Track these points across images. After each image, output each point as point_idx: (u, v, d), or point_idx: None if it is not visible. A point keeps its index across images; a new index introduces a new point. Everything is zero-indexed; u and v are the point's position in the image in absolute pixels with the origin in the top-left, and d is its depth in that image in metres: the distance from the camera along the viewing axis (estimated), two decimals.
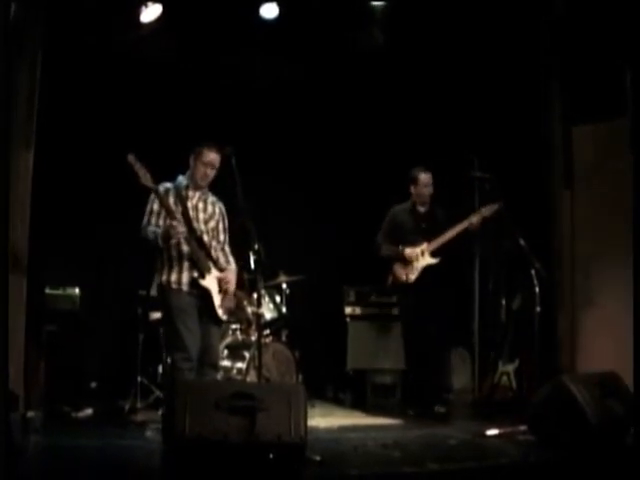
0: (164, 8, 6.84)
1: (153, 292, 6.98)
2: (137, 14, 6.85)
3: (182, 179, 5.73)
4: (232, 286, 5.69)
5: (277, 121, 8.09)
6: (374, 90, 8.15)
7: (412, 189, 7.16)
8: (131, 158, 5.35)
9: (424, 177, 7.10)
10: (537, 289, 6.09)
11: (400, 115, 8.33)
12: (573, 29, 6.96)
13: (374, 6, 7.33)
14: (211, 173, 5.66)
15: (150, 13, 6.86)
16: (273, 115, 8.04)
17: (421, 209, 7.18)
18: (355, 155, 8.41)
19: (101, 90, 7.36)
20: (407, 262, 6.99)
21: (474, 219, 6.87)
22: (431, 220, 7.14)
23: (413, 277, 6.97)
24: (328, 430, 6.20)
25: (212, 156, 5.64)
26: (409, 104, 8.23)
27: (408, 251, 6.99)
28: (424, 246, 6.99)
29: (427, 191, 7.12)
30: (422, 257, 6.98)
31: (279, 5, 7.14)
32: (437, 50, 7.63)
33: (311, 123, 8.28)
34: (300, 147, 8.24)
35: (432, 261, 6.97)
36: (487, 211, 6.84)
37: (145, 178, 5.39)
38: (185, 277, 5.50)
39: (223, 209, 5.84)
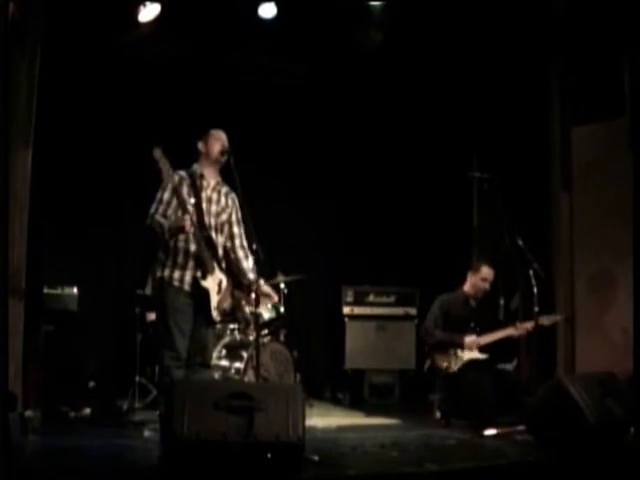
0: (162, 8, 6.83)
1: (148, 291, 6.99)
2: (135, 13, 6.84)
3: (197, 167, 5.61)
4: (275, 298, 5.89)
5: (276, 121, 8.09)
6: (374, 90, 8.16)
7: (469, 277, 6.83)
8: (157, 153, 5.25)
9: (487, 272, 6.77)
10: (535, 289, 6.09)
11: (400, 115, 8.34)
12: (573, 30, 6.97)
13: (372, 6, 7.32)
14: (226, 145, 5.54)
15: (148, 13, 6.84)
16: (273, 115, 8.04)
17: (473, 302, 6.85)
18: (354, 155, 8.42)
19: (100, 89, 7.36)
20: (451, 351, 6.61)
21: (529, 325, 6.43)
22: (482, 314, 6.82)
23: (456, 368, 6.56)
24: (326, 430, 6.20)
25: (222, 134, 5.58)
26: (409, 104, 8.24)
27: (468, 340, 6.57)
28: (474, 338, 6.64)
29: (484, 286, 6.79)
30: (470, 349, 6.61)
31: (277, 5, 7.13)
32: (437, 50, 7.62)
33: (311, 123, 8.28)
34: (299, 147, 8.24)
35: (479, 356, 6.58)
36: (546, 320, 6.47)
37: (168, 175, 5.30)
38: (188, 276, 5.41)
39: (236, 200, 5.67)
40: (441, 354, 6.62)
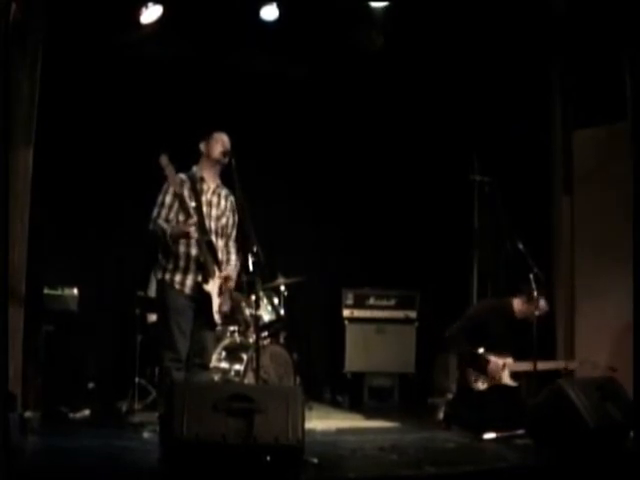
0: (164, 9, 6.82)
1: (151, 293, 6.98)
2: (137, 15, 6.84)
3: (196, 169, 5.62)
4: (232, 283, 5.58)
5: (277, 122, 8.08)
6: (374, 92, 8.15)
7: (522, 302, 6.37)
8: (164, 160, 5.25)
9: (543, 306, 6.30)
10: (535, 293, 6.08)
11: (400, 117, 8.34)
12: (573, 30, 6.97)
13: (373, 8, 7.32)
14: (227, 146, 5.53)
15: (150, 14, 6.84)
16: (273, 116, 8.03)
17: (516, 320, 6.43)
18: (354, 157, 8.41)
19: (101, 89, 7.35)
20: (483, 369, 6.27)
21: (572, 365, 6.28)
22: (522, 335, 6.24)
23: (483, 388, 6.26)
24: (325, 433, 6.20)
25: (225, 136, 5.57)
26: (409, 106, 8.24)
27: (493, 361, 6.24)
28: (509, 361, 6.25)
29: (533, 319, 6.06)
30: (502, 372, 6.25)
31: (278, 6, 7.13)
32: (437, 53, 7.62)
33: (311, 124, 8.27)
34: (299, 148, 8.23)
35: (510, 383, 6.24)
36: (590, 368, 6.21)
37: (174, 183, 5.30)
38: (189, 280, 5.42)
39: (234, 204, 5.67)
40: (474, 369, 6.30)
